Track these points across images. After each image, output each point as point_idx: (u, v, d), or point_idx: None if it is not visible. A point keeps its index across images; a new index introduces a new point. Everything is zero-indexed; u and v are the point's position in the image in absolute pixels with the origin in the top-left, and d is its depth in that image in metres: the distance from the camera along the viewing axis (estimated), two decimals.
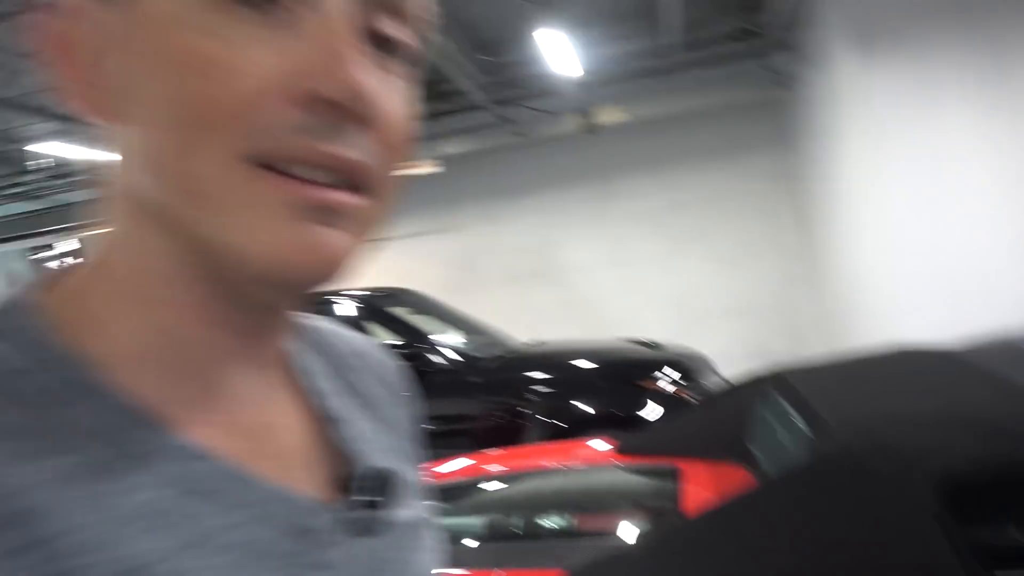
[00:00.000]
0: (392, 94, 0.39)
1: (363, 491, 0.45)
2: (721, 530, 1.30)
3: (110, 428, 0.36)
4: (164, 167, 0.36)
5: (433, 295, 6.13)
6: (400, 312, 5.09)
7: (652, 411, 4.22)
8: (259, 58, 0.35)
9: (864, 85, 6.61)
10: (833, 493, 1.36)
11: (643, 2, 7.63)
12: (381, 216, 0.41)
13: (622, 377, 4.53)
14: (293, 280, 0.37)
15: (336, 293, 5.15)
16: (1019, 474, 1.26)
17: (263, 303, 0.42)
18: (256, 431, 0.42)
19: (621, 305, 10.18)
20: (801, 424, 1.72)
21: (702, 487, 2.10)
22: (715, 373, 4.89)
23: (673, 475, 2.23)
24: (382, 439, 0.50)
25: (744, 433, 2.23)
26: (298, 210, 0.36)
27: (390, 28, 0.38)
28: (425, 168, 9.63)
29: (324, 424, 0.47)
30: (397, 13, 0.39)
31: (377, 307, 5.02)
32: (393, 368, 0.57)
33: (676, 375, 4.51)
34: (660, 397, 4.33)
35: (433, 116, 9.87)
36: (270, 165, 0.36)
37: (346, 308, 5.10)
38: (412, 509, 0.49)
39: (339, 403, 0.49)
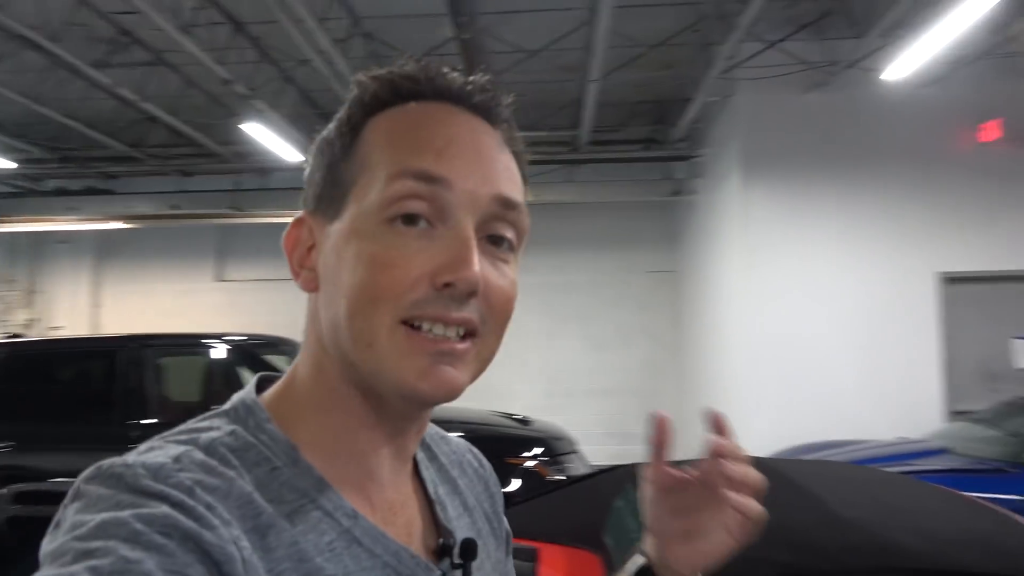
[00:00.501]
0: (498, 273, 0.58)
1: (458, 557, 0.62)
2: None
3: (311, 489, 0.55)
4: (347, 325, 0.55)
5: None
6: (277, 361, 5.03)
7: (517, 488, 4.36)
8: (414, 260, 0.54)
9: (742, 203, 7.27)
10: None
11: (566, 99, 8.15)
12: (489, 353, 0.59)
13: (490, 452, 4.61)
14: (427, 401, 0.57)
15: (215, 337, 5.04)
16: None
17: (403, 415, 0.60)
18: (392, 505, 0.61)
19: (495, 373, 10.26)
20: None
21: (557, 571, 2.23)
22: (579, 454, 5.11)
23: (530, 556, 2.35)
24: (465, 519, 0.68)
25: (600, 522, 2.38)
26: (433, 357, 0.55)
27: (500, 230, 0.59)
28: None
29: (431, 505, 0.65)
30: (505, 222, 0.59)
31: (253, 354, 4.94)
32: (479, 464, 0.76)
33: (544, 454, 4.70)
34: (526, 475, 4.49)
35: None
36: (418, 326, 0.54)
37: (221, 352, 5.00)
38: (488, 573, 0.67)
39: (440, 490, 0.68)
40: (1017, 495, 4.46)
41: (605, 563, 2.12)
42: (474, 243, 0.56)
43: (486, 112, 0.61)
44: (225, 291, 11.00)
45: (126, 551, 0.43)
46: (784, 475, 2.01)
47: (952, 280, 7.09)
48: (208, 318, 10.28)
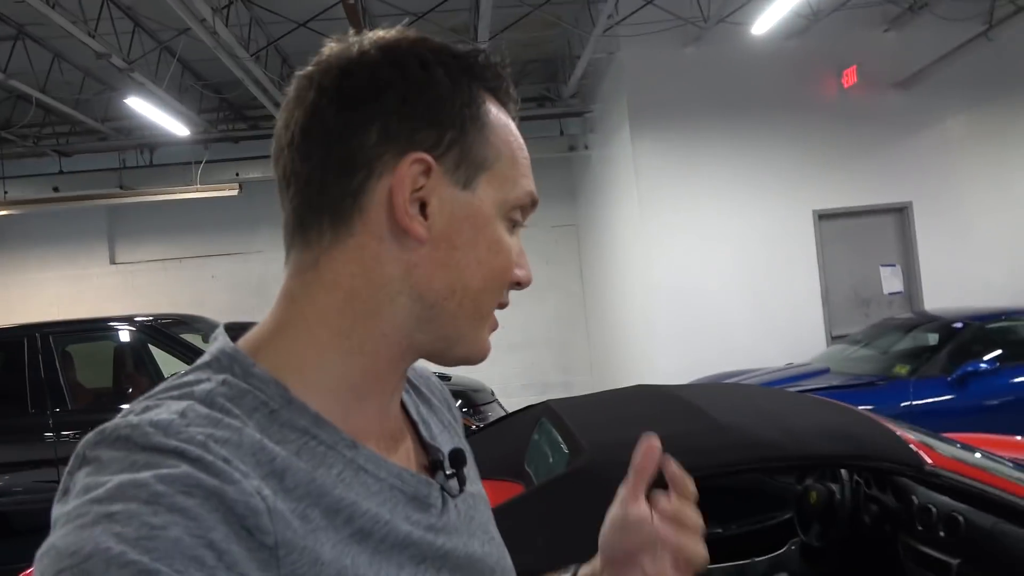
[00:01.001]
0: None
1: (449, 467, 0.65)
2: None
3: (310, 426, 0.55)
4: (474, 296, 0.60)
5: (221, 320, 6.03)
6: (192, 339, 5.01)
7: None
8: (512, 254, 0.62)
9: (631, 155, 7.63)
10: (582, 497, 1.81)
11: None
12: None
13: None
14: (477, 363, 0.64)
15: (122, 320, 4.98)
16: (701, 478, 1.79)
17: (415, 360, 0.64)
18: (393, 434, 0.64)
19: None
20: (564, 446, 2.17)
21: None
22: (498, 403, 5.40)
23: None
24: (446, 434, 0.72)
25: (520, 454, 2.63)
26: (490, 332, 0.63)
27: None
28: (223, 191, 9.36)
29: (414, 427, 0.68)
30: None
31: (164, 333, 4.91)
32: (440, 388, 0.79)
33: (464, 405, 4.96)
34: None
35: (235, 140, 9.66)
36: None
37: (129, 335, 4.95)
38: (473, 480, 0.70)
39: (421, 410, 0.71)
40: (887, 403, 5.06)
41: (525, 486, 2.38)
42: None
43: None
44: (120, 274, 10.58)
45: (149, 516, 0.42)
46: (675, 395, 2.32)
47: (824, 216, 7.74)
48: (105, 303, 9.88)
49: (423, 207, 0.58)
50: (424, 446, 0.66)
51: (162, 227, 10.41)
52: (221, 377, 0.54)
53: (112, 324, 5.03)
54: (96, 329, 5.12)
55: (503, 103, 0.63)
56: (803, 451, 1.85)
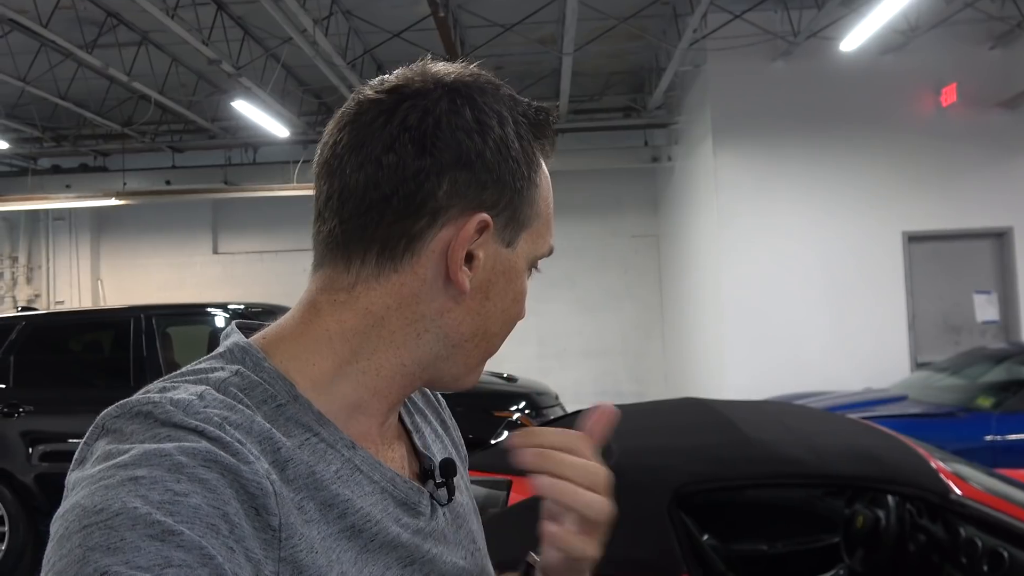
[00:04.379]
0: None
1: (440, 476, 0.67)
2: (523, 511, 1.82)
3: (313, 423, 0.57)
4: (491, 340, 0.64)
5: None
6: None
7: (503, 437, 4.76)
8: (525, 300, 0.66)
9: (715, 170, 7.58)
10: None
11: (544, 70, 8.38)
12: None
13: (480, 407, 5.05)
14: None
15: (217, 306, 5.39)
16: (719, 485, 1.87)
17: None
18: (389, 441, 0.65)
19: None
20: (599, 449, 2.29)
21: (525, 495, 2.62)
22: (560, 407, 5.52)
23: (505, 486, 2.74)
24: (438, 443, 0.73)
25: None
26: None
27: None
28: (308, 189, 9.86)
29: (408, 434, 0.70)
30: None
31: (252, 320, 5.26)
32: (433, 396, 0.80)
33: (527, 407, 5.11)
34: (512, 426, 4.89)
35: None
36: None
37: (222, 320, 5.35)
38: (462, 490, 0.72)
39: (417, 418, 0.73)
40: (967, 436, 4.85)
41: None
42: None
43: None
44: (220, 264, 11.29)
45: (172, 483, 0.44)
46: (715, 409, 2.39)
47: (915, 238, 7.46)
48: (205, 290, 10.59)
49: (469, 258, 0.60)
50: (417, 454, 0.68)
51: (261, 221, 11.05)
52: (234, 368, 0.56)
53: (208, 310, 5.47)
54: (194, 313, 5.58)
55: (547, 157, 0.65)
56: (824, 469, 1.89)
